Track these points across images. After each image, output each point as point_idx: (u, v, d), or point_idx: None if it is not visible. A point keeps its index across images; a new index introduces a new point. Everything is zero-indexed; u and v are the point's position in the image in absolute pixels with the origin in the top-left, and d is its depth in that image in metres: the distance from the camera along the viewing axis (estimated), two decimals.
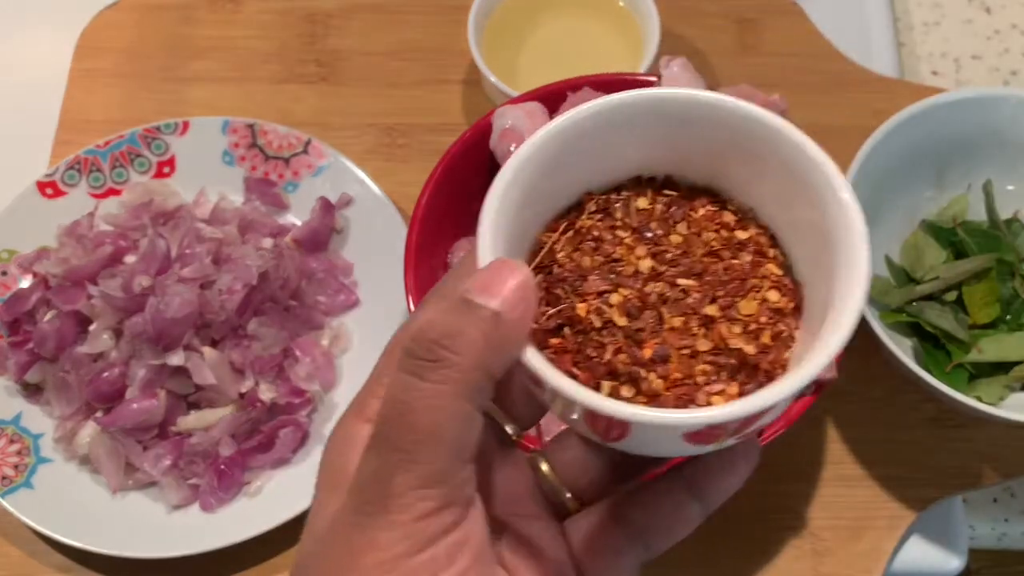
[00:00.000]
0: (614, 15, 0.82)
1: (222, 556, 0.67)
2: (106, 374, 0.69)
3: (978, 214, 0.74)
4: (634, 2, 0.81)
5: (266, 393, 0.70)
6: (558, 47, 0.82)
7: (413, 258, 0.64)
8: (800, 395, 0.60)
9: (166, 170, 0.80)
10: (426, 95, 0.85)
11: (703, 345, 0.35)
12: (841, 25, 0.88)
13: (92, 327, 0.70)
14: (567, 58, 0.81)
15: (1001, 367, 0.69)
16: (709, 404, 0.34)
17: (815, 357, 0.32)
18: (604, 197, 0.38)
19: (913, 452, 0.72)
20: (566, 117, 0.36)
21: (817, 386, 0.59)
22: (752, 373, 0.34)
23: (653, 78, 0.67)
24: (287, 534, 0.68)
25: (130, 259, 0.72)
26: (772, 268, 0.37)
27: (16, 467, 0.69)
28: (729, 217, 0.38)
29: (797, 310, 0.36)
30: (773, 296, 0.36)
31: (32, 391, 0.72)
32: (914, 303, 0.70)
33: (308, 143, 0.79)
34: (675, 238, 0.37)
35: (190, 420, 0.70)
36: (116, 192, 0.79)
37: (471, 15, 0.79)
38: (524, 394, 0.36)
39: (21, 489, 0.68)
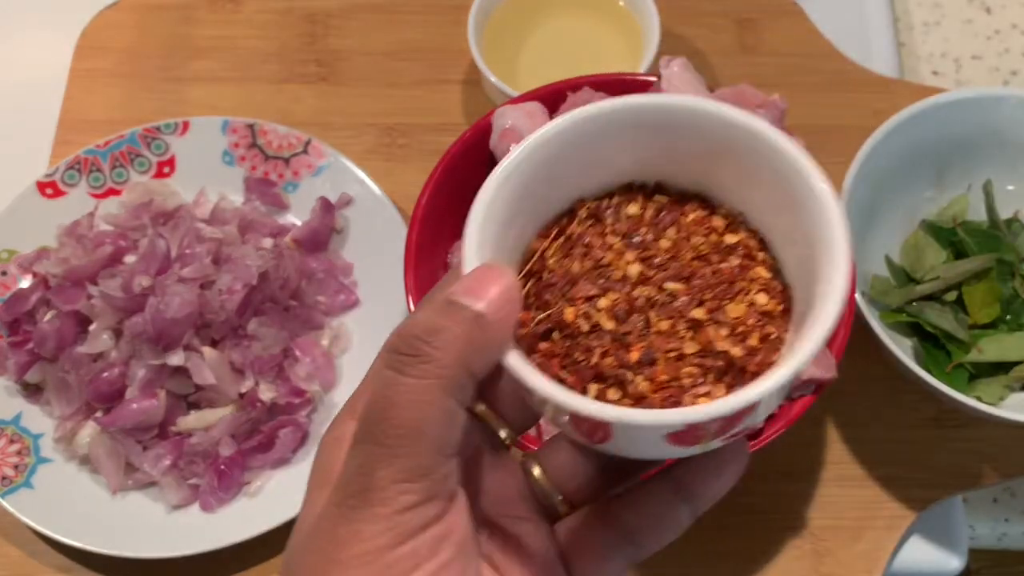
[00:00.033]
0: (614, 15, 0.82)
1: (222, 556, 0.67)
2: (106, 374, 0.69)
3: (978, 214, 0.74)
4: (634, 2, 0.81)
5: (266, 393, 0.70)
6: (558, 47, 0.82)
7: (413, 258, 0.64)
8: (791, 396, 0.60)
9: (166, 170, 0.80)
10: (426, 95, 0.85)
11: (690, 348, 0.35)
12: (841, 25, 0.88)
13: (92, 327, 0.70)
14: (567, 58, 0.81)
15: (1001, 367, 0.69)
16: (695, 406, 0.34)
17: (794, 357, 0.32)
18: (596, 204, 0.39)
19: (913, 452, 0.72)
20: (551, 126, 0.36)
21: (817, 386, 0.59)
22: (739, 375, 0.35)
23: (653, 78, 0.67)
24: (287, 534, 0.66)
25: (130, 259, 0.72)
26: (761, 271, 0.37)
27: (16, 467, 0.69)
28: (719, 221, 0.38)
29: (787, 312, 0.36)
30: (761, 299, 0.36)
31: (32, 391, 0.72)
32: (914, 303, 0.70)
33: (308, 143, 0.79)
34: (664, 243, 0.37)
35: (190, 420, 0.70)
36: (116, 192, 0.79)
37: (471, 15, 0.79)
38: (517, 399, 0.36)
39: (21, 489, 0.68)
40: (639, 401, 0.34)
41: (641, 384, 0.34)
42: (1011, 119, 0.72)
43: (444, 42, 0.86)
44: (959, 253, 0.72)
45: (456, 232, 0.69)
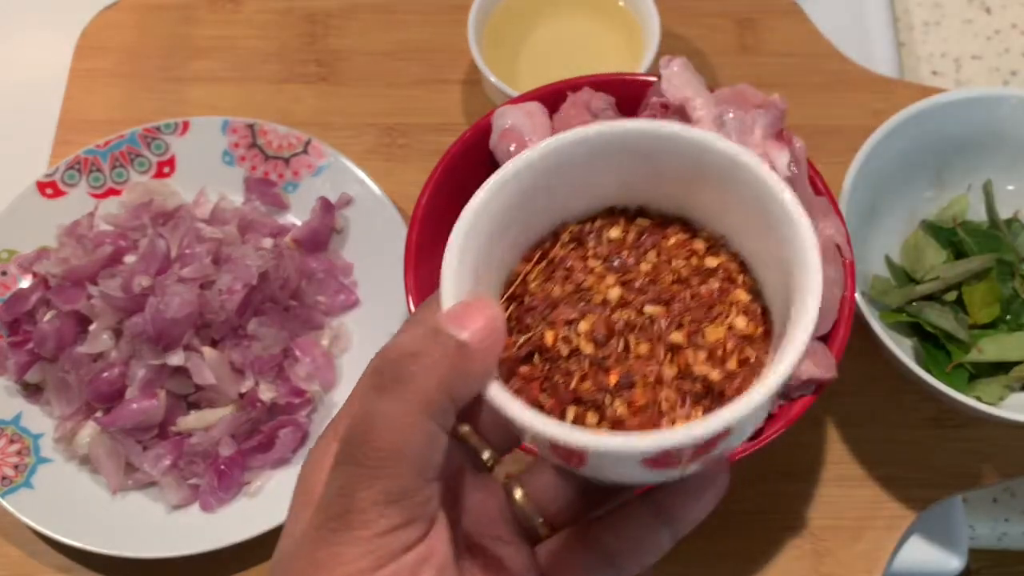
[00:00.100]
0: (614, 15, 0.82)
1: (222, 556, 0.67)
2: (106, 374, 0.69)
3: (978, 214, 0.74)
4: (634, 2, 0.81)
5: (266, 393, 0.70)
6: (558, 47, 0.82)
7: (413, 258, 0.64)
8: (790, 396, 0.60)
9: (166, 170, 0.80)
10: (426, 95, 0.85)
11: (668, 372, 0.35)
12: (841, 25, 0.88)
13: (92, 327, 0.70)
14: (567, 58, 0.81)
15: (1001, 367, 0.69)
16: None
17: (766, 382, 0.32)
18: (578, 227, 0.39)
19: (913, 452, 0.72)
20: (535, 151, 0.36)
21: (817, 386, 0.59)
22: (718, 399, 0.35)
23: (653, 78, 0.67)
24: None
25: (130, 259, 0.72)
26: (741, 294, 0.37)
27: (16, 467, 0.69)
28: (700, 245, 0.38)
29: (767, 335, 0.36)
30: (740, 323, 0.36)
31: (32, 391, 0.72)
32: (914, 303, 0.70)
33: (308, 143, 0.79)
34: (645, 266, 0.37)
35: (190, 420, 0.70)
36: (116, 192, 0.79)
37: (471, 15, 0.79)
38: (499, 420, 0.36)
39: (21, 489, 0.68)
40: (617, 425, 0.34)
41: (619, 408, 0.34)
42: (1011, 119, 0.72)
43: (444, 42, 0.86)
44: (959, 253, 0.72)
45: None
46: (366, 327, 0.75)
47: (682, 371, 0.35)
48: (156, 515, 0.69)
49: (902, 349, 0.65)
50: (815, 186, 0.63)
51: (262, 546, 0.68)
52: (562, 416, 0.35)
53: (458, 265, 0.35)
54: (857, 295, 0.62)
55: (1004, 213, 0.74)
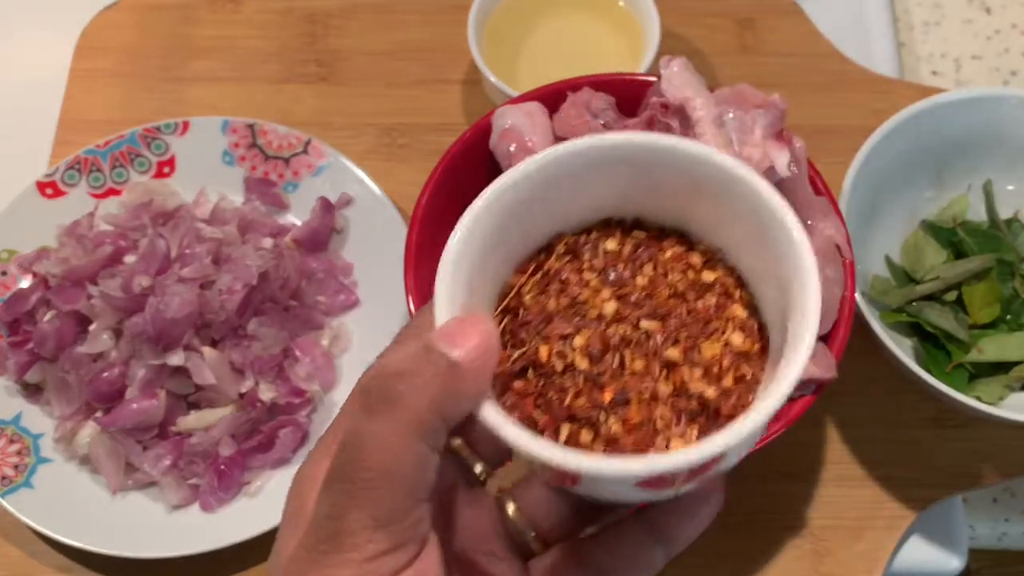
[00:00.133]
0: (614, 15, 0.82)
1: (222, 556, 0.67)
2: (106, 374, 0.69)
3: (978, 214, 0.74)
4: (634, 2, 0.81)
5: (266, 393, 0.70)
6: (558, 47, 0.82)
7: (413, 258, 0.64)
8: (790, 396, 0.60)
9: (166, 170, 0.80)
10: (426, 95, 0.85)
11: (664, 389, 0.35)
12: (841, 25, 0.88)
13: (92, 327, 0.70)
14: (567, 58, 0.81)
15: (1001, 367, 0.69)
16: (667, 449, 0.34)
17: (764, 403, 0.32)
18: (574, 239, 0.38)
19: (913, 452, 0.72)
20: (532, 162, 0.36)
21: (817, 386, 0.59)
22: (713, 418, 0.34)
23: (653, 78, 0.66)
24: None
25: (130, 259, 0.72)
26: (737, 310, 0.37)
27: (16, 467, 0.69)
28: (696, 259, 0.38)
29: (764, 351, 0.36)
30: (736, 339, 0.36)
31: (32, 391, 0.72)
32: (914, 303, 0.70)
33: (308, 143, 0.79)
34: (641, 280, 0.37)
35: (190, 420, 0.70)
36: (116, 192, 0.79)
37: (471, 15, 0.79)
38: (492, 435, 0.36)
39: (21, 489, 0.68)
40: (611, 443, 0.34)
41: (614, 426, 0.34)
42: (1011, 119, 0.72)
43: (444, 42, 0.86)
44: (959, 253, 0.72)
45: None
46: (366, 327, 0.75)
47: (678, 388, 0.35)
48: (156, 515, 0.69)
49: (902, 349, 0.65)
50: (815, 186, 0.63)
51: (262, 546, 0.68)
52: (556, 433, 0.35)
53: (452, 278, 0.34)
54: (857, 295, 0.62)
55: (1004, 213, 0.74)
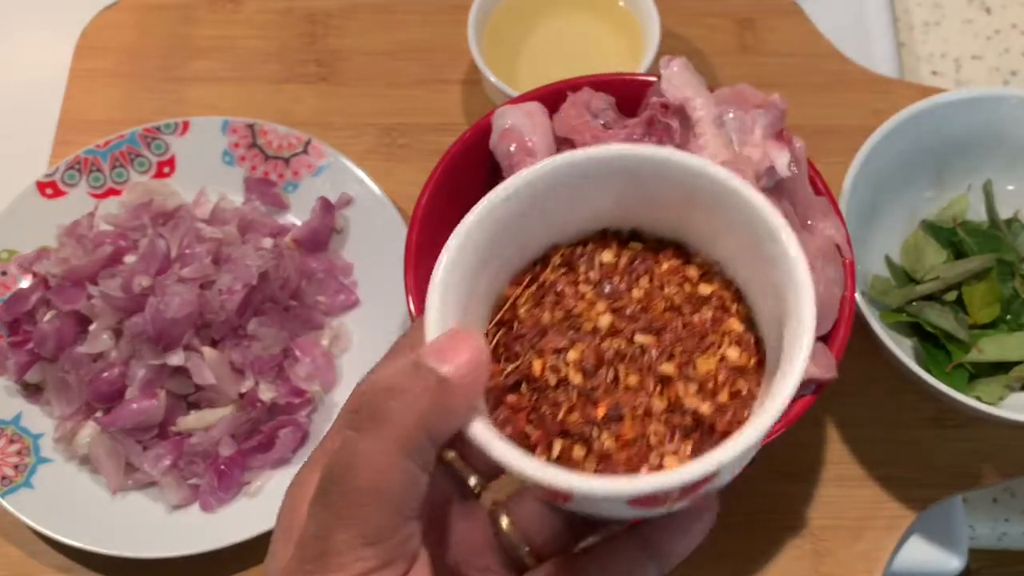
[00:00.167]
0: (614, 15, 0.82)
1: (222, 556, 0.67)
2: (106, 374, 0.69)
3: (978, 214, 0.74)
4: (634, 2, 0.81)
5: (266, 393, 0.70)
6: (558, 47, 0.82)
7: (413, 258, 0.64)
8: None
9: (166, 170, 0.80)
10: (426, 95, 0.85)
11: (658, 404, 0.34)
12: (841, 25, 0.88)
13: (92, 327, 0.70)
14: (567, 58, 0.81)
15: (1001, 367, 0.69)
16: (660, 466, 0.33)
17: (759, 419, 0.31)
18: (569, 251, 0.38)
19: (913, 452, 0.72)
20: (529, 172, 0.36)
21: (817, 386, 0.59)
22: (708, 434, 0.34)
23: (653, 78, 0.66)
24: None
25: (130, 259, 0.72)
26: (734, 324, 0.36)
27: (16, 467, 0.69)
28: (693, 271, 0.37)
29: (760, 366, 0.36)
30: (732, 354, 0.35)
31: (32, 391, 0.72)
32: (914, 303, 0.70)
33: (308, 143, 0.79)
34: (636, 293, 0.37)
35: (190, 420, 0.70)
36: (116, 192, 0.79)
37: (471, 15, 0.79)
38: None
39: (21, 489, 0.68)
40: (604, 459, 0.34)
41: (607, 442, 0.34)
42: (1011, 119, 0.72)
43: (444, 42, 0.86)
44: (959, 253, 0.72)
45: None
46: (366, 327, 0.75)
47: (672, 404, 0.34)
48: (156, 515, 0.69)
49: (902, 349, 0.65)
50: (815, 186, 0.63)
51: (262, 546, 0.67)
52: (549, 448, 0.34)
53: (444, 292, 0.34)
54: (857, 295, 0.62)
55: (1004, 213, 0.74)
